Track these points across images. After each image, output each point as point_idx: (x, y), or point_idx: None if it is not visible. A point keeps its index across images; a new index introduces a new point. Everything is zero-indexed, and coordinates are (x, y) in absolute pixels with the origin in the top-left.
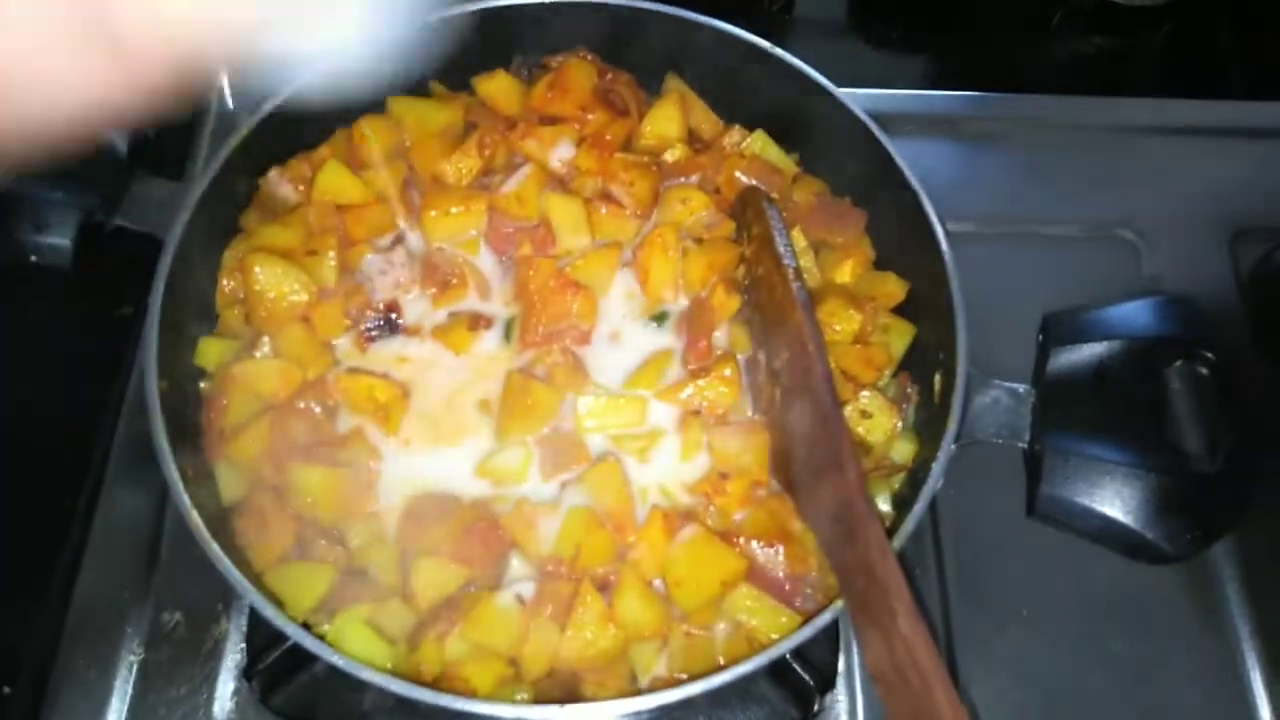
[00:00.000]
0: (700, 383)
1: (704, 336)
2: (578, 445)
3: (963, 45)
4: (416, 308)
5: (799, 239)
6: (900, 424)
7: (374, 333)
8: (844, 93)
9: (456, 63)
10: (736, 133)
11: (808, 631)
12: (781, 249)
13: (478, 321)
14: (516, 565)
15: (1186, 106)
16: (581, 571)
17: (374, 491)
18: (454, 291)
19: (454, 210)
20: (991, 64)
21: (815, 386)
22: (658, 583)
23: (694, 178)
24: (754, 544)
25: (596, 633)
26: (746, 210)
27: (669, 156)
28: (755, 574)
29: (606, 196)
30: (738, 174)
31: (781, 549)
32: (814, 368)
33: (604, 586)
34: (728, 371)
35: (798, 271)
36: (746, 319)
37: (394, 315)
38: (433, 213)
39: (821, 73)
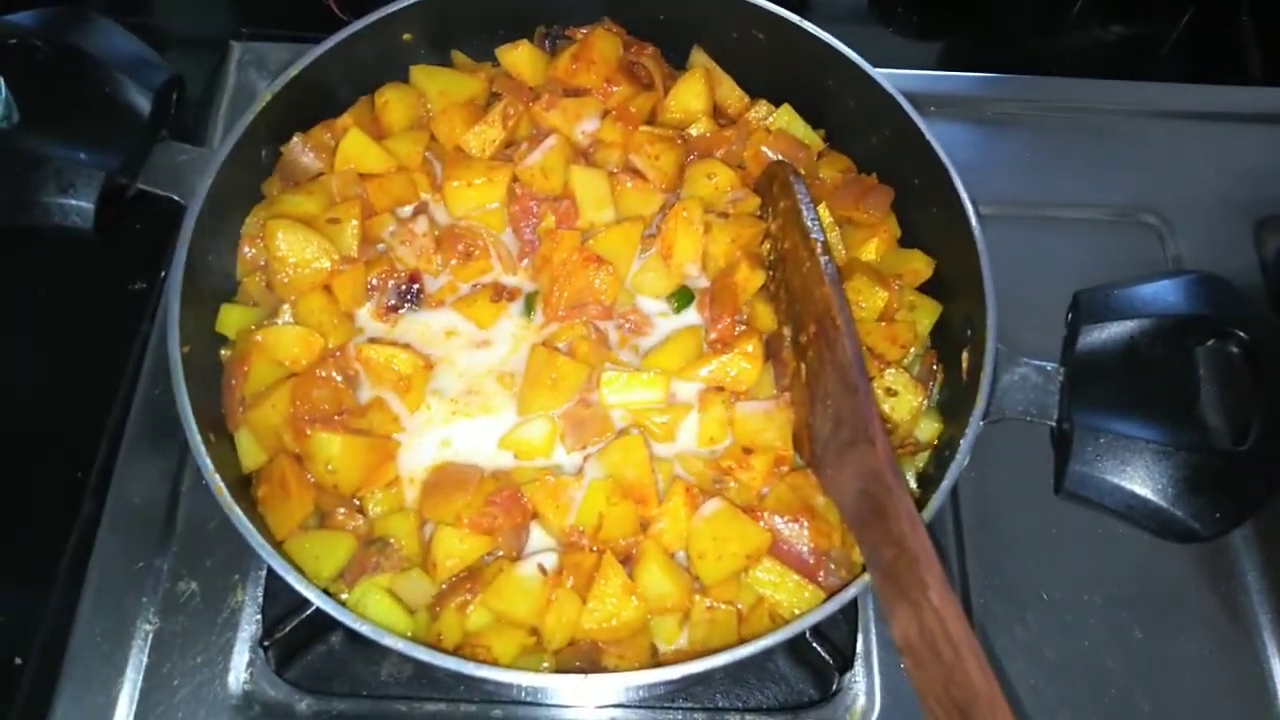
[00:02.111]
0: (723, 359)
1: (728, 313)
2: (602, 418)
3: (982, 33)
4: (439, 279)
5: (824, 215)
6: (925, 402)
7: (395, 303)
8: (876, 71)
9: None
10: (762, 107)
11: (831, 606)
12: (809, 222)
13: (501, 294)
14: (537, 536)
15: (1209, 91)
16: (603, 543)
17: (395, 461)
18: (476, 263)
19: (477, 181)
20: (1012, 51)
21: (843, 360)
22: (680, 555)
23: (719, 152)
24: (777, 519)
25: (618, 604)
26: (773, 185)
27: (694, 130)
28: (778, 549)
29: (631, 170)
30: (764, 149)
31: (805, 524)
32: (842, 341)
33: (626, 559)
34: (750, 348)
35: (826, 245)
36: (771, 295)
37: (416, 286)
38: (455, 183)
39: None
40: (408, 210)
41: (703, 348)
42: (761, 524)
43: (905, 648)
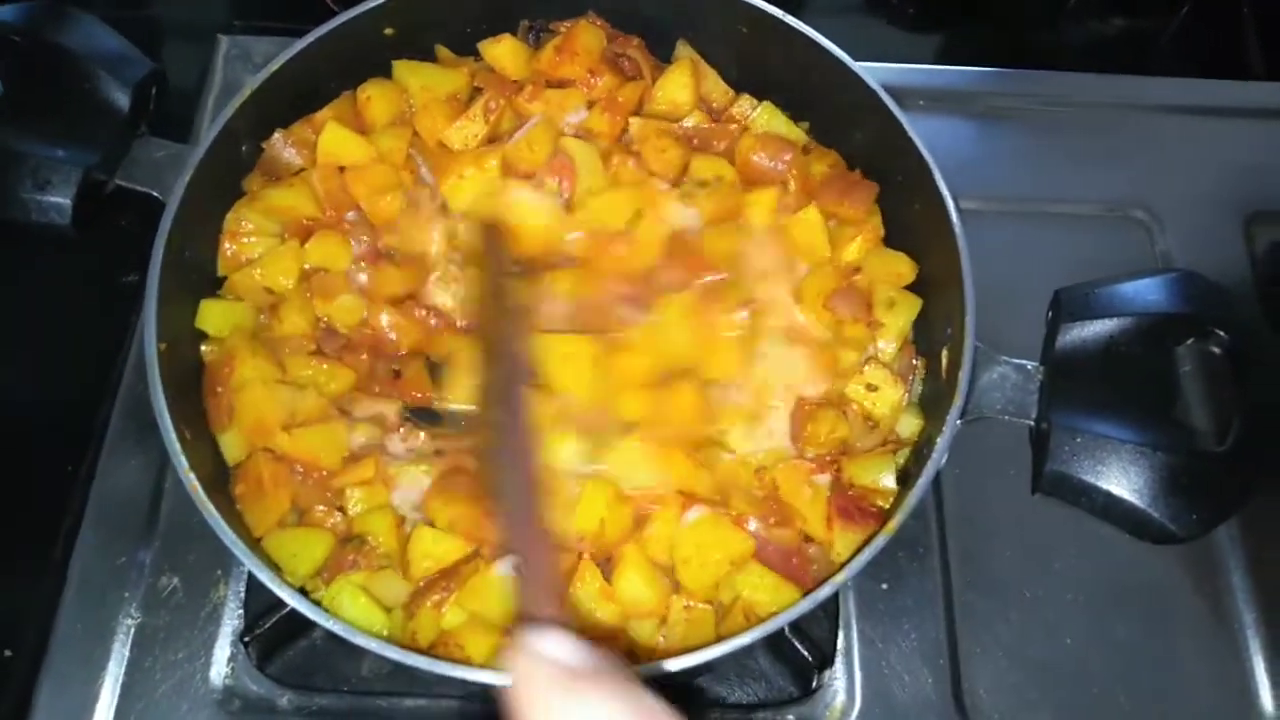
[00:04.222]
0: None
1: None
2: None
3: (978, 25)
4: None
5: (811, 214)
6: (906, 396)
7: None
8: (857, 65)
9: (463, 27)
10: (745, 102)
11: (805, 605)
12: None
13: None
14: None
15: (1203, 86)
16: (606, 546)
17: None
18: None
19: (467, 173)
20: (1008, 43)
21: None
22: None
23: (721, 146)
24: (761, 522)
25: (594, 608)
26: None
27: (688, 122)
28: (762, 551)
29: (631, 155)
30: (753, 158)
31: (784, 523)
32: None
33: (603, 562)
34: None
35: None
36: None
37: None
38: (449, 180)
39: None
40: None
41: None
42: (746, 532)
43: None
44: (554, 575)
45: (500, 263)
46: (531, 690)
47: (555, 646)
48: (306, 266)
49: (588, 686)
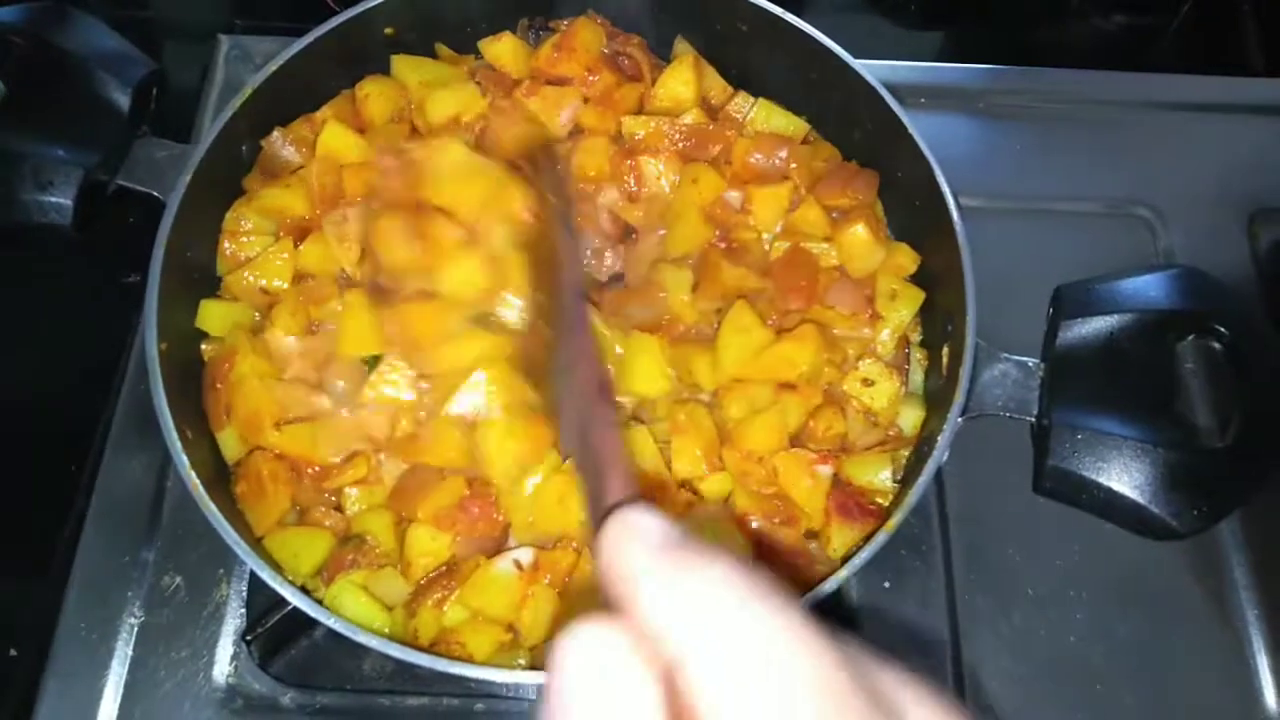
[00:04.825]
0: None
1: None
2: None
3: (980, 22)
4: None
5: (812, 207)
6: (904, 387)
7: None
8: (857, 62)
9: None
10: (742, 99)
11: (803, 604)
12: (553, 187)
13: None
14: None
15: (1206, 83)
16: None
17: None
18: None
19: None
20: (1009, 41)
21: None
22: None
23: (716, 148)
24: (765, 520)
25: (593, 601)
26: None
27: (687, 119)
28: (766, 551)
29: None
30: (750, 160)
31: (793, 528)
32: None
33: None
34: None
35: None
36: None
37: None
38: None
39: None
40: None
41: None
42: (748, 532)
43: None
44: (626, 461)
45: (554, 180)
46: (626, 561)
47: (648, 518)
48: (300, 268)
49: (692, 556)
